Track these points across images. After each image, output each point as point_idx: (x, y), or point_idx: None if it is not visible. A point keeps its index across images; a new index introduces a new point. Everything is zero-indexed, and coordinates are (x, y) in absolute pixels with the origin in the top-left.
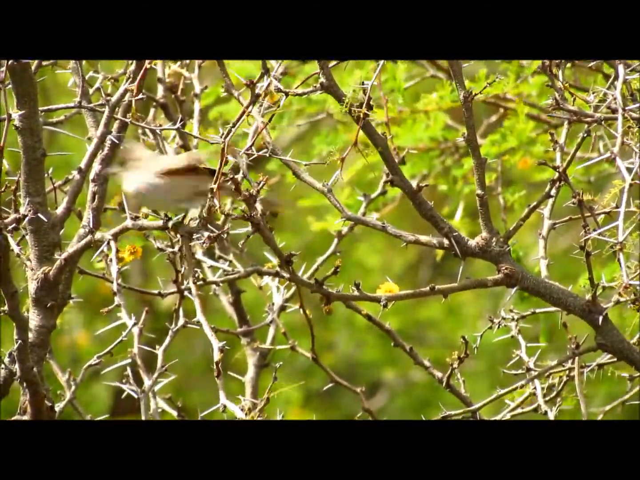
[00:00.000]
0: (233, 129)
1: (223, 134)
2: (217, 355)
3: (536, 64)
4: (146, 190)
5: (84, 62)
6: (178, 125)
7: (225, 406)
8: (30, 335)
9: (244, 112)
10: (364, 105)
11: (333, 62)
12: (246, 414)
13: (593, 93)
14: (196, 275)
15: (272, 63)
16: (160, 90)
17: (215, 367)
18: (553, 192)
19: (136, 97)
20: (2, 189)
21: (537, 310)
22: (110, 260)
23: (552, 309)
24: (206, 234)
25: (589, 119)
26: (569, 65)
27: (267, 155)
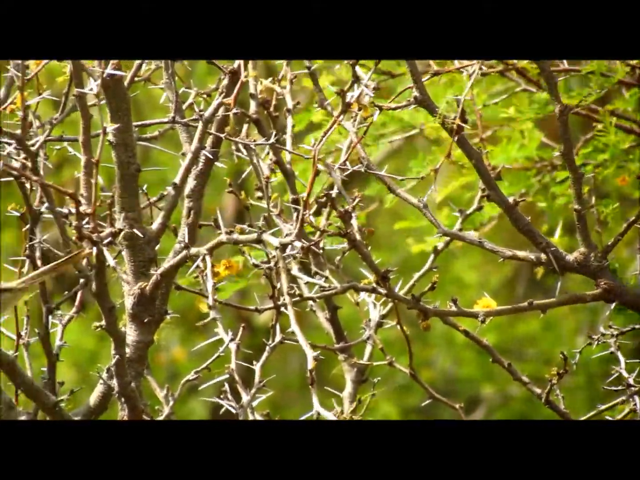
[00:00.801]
0: (324, 139)
1: (314, 143)
2: (310, 364)
3: (621, 73)
4: None
5: (176, 77)
6: (272, 140)
7: (319, 413)
8: (128, 350)
9: (334, 122)
10: (457, 118)
11: (426, 77)
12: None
13: None
14: (292, 291)
15: (361, 73)
16: (252, 106)
17: (309, 375)
18: None
19: (229, 112)
20: (98, 204)
21: (637, 326)
22: (206, 275)
23: None
24: (299, 244)
25: None
26: None
27: (362, 170)
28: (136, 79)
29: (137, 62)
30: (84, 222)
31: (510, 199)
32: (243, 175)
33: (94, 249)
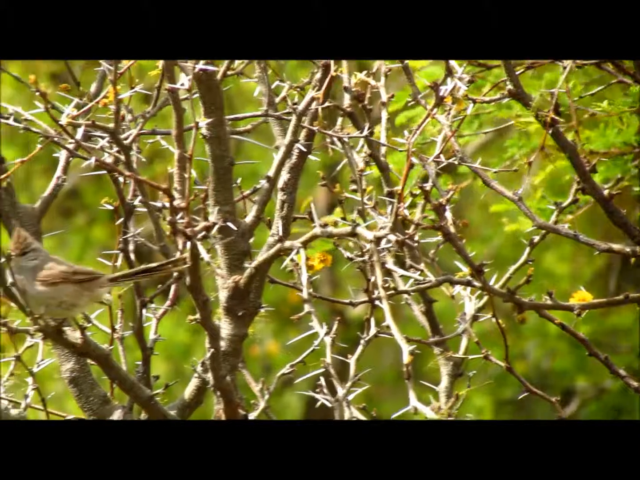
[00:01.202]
0: (417, 131)
1: (408, 137)
2: (406, 358)
3: None
4: (26, 292)
5: (269, 71)
6: (365, 133)
7: (416, 408)
8: (223, 344)
9: (428, 115)
10: (551, 110)
11: (520, 70)
12: (437, 415)
13: None
14: (387, 284)
15: (455, 66)
16: (346, 99)
17: (405, 369)
18: None
19: (322, 106)
20: (192, 198)
21: None
22: (300, 268)
23: None
24: (393, 238)
25: None
26: None
27: (456, 163)
28: (229, 72)
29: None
30: (177, 216)
31: (605, 192)
32: (337, 169)
33: (188, 244)
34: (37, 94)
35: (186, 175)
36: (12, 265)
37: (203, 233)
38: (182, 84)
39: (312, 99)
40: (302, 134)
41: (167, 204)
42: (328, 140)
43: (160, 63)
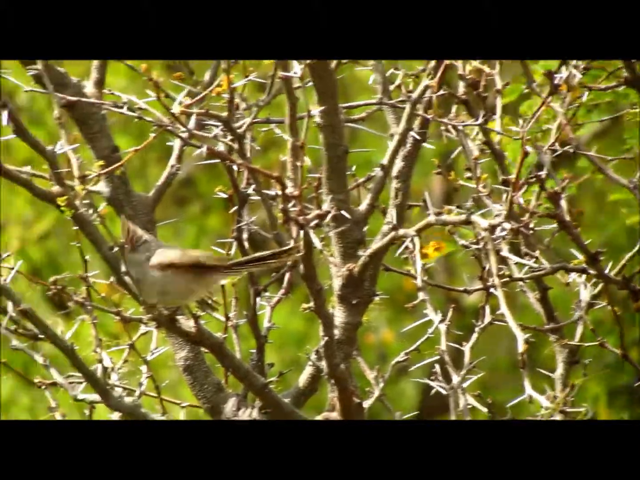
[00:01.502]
0: (532, 120)
1: (522, 125)
2: (521, 347)
3: None
4: (139, 281)
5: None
6: (480, 121)
7: (530, 396)
8: (337, 332)
9: (543, 103)
10: None
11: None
12: (552, 404)
13: None
14: (502, 272)
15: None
16: (461, 87)
17: (520, 358)
18: None
19: (437, 93)
20: (304, 186)
21: None
22: (415, 256)
23: None
24: (508, 226)
25: None
26: None
27: (572, 151)
28: (343, 60)
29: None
30: (290, 204)
31: None
32: (452, 156)
33: (301, 233)
34: (150, 82)
35: (299, 164)
36: (125, 255)
37: (316, 221)
38: (295, 72)
39: (427, 87)
40: (417, 122)
41: (280, 193)
42: (442, 128)
43: None
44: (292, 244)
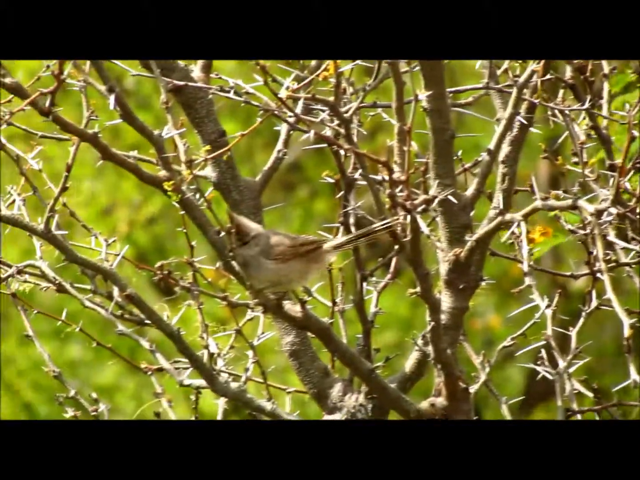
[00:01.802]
0: (638, 105)
1: (629, 109)
2: (627, 332)
3: None
4: (257, 272)
5: None
6: (587, 105)
7: (635, 381)
8: (443, 317)
9: None
10: None
11: None
12: None
13: None
14: (608, 257)
15: None
16: (568, 71)
17: (625, 343)
18: None
19: (543, 78)
20: (412, 171)
21: None
22: (521, 241)
23: None
24: (615, 211)
25: None
26: None
27: None
28: None
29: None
30: (397, 189)
31: None
32: (559, 141)
33: (408, 217)
34: (257, 66)
35: (405, 148)
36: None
37: (423, 206)
38: None
39: (533, 72)
40: (524, 107)
41: (387, 177)
42: (549, 113)
43: None
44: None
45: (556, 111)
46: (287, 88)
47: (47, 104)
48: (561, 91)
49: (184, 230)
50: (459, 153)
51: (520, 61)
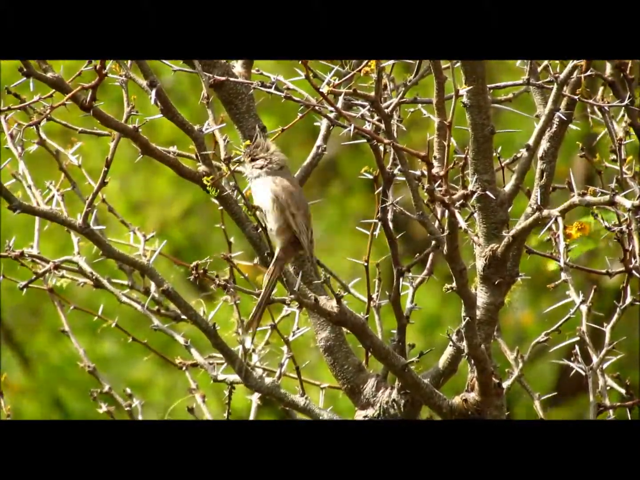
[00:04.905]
0: None
1: None
2: None
3: None
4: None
5: None
6: (626, 102)
7: None
8: (478, 312)
9: None
10: None
11: None
12: None
13: None
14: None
15: None
16: (608, 68)
17: None
18: None
19: (585, 74)
20: (451, 166)
21: None
22: (558, 237)
23: None
24: None
25: None
26: None
27: None
28: None
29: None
30: (436, 184)
31: None
32: (597, 138)
33: (446, 213)
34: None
35: (445, 143)
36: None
37: (461, 201)
38: None
39: (574, 67)
40: (563, 103)
41: (426, 172)
42: (588, 110)
43: None
44: (436, 224)
45: (595, 108)
46: (329, 84)
47: (88, 98)
48: (601, 88)
49: (222, 227)
50: (499, 149)
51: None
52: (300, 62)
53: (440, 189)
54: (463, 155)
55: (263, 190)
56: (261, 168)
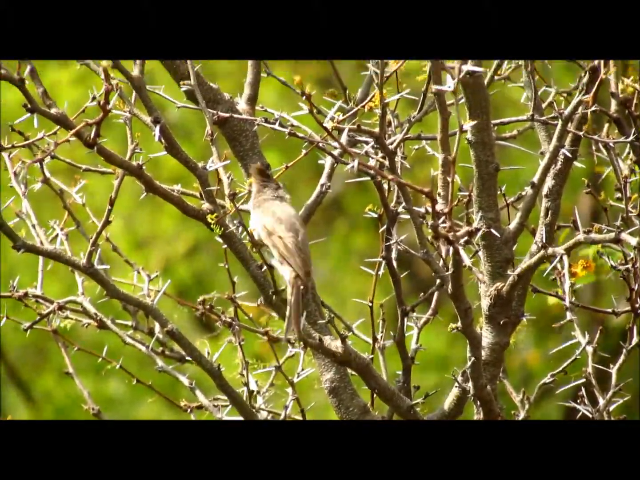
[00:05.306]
0: None
1: None
2: None
3: None
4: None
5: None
6: (631, 138)
7: None
8: (484, 352)
9: None
10: None
11: None
12: None
13: None
14: None
15: None
16: (613, 105)
17: None
18: None
19: (590, 109)
20: (455, 203)
21: None
22: (563, 275)
23: None
24: None
25: None
26: None
27: None
28: (495, 77)
29: (497, 60)
30: (440, 220)
31: None
32: (602, 176)
33: (448, 248)
34: (303, 97)
35: (449, 179)
36: None
37: (465, 238)
38: (449, 86)
39: (579, 103)
40: (568, 140)
41: (430, 209)
42: (594, 147)
43: (428, 66)
44: (440, 263)
45: (600, 146)
46: (333, 119)
47: (92, 135)
48: (606, 125)
49: (226, 266)
50: (503, 188)
51: (565, 94)
52: (304, 97)
53: (444, 225)
54: (467, 193)
55: (253, 219)
56: (256, 201)
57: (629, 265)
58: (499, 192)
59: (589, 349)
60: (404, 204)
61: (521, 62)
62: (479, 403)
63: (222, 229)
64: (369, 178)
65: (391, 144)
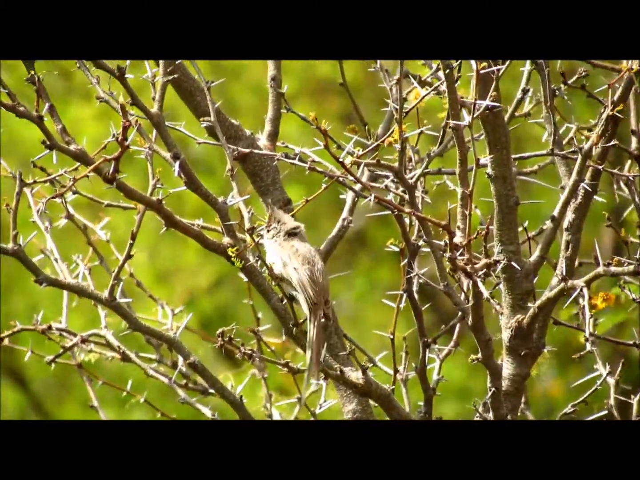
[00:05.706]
0: None
1: None
2: None
3: None
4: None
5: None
6: None
7: None
8: (504, 383)
9: None
10: None
11: None
12: None
13: None
14: None
15: None
16: (633, 142)
17: None
18: None
19: (607, 144)
20: (474, 236)
21: None
22: (583, 308)
23: None
24: None
25: None
26: None
27: None
28: (516, 114)
29: (518, 96)
30: (457, 253)
31: None
32: (625, 214)
33: (469, 281)
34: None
35: (466, 212)
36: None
37: (484, 270)
38: (466, 122)
39: (599, 138)
40: (588, 174)
41: (448, 241)
42: (615, 185)
43: (446, 103)
44: (461, 295)
45: (621, 183)
46: (352, 154)
47: (111, 170)
48: (628, 162)
49: (250, 302)
50: (526, 224)
51: (586, 131)
52: (320, 131)
53: (462, 257)
54: (486, 227)
55: (271, 253)
56: (272, 237)
57: None
58: (520, 227)
59: (611, 380)
60: (424, 237)
61: (542, 98)
62: None
63: (243, 262)
64: (389, 212)
65: (411, 178)
